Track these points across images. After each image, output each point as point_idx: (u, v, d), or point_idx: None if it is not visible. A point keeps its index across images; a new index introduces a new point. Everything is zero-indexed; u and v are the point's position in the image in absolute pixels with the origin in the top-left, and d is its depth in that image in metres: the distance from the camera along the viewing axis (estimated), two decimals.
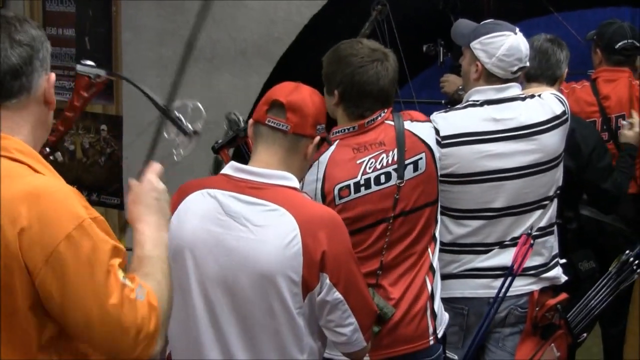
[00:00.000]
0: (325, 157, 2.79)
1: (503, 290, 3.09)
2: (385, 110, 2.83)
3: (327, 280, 2.34)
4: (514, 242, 3.18)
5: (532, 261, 3.23)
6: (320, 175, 2.76)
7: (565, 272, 3.48)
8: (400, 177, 2.79)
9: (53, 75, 1.91)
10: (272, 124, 2.41)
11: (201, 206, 2.37)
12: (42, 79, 1.88)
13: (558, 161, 3.30)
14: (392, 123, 2.83)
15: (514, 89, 3.23)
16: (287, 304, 2.32)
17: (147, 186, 1.98)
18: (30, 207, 1.72)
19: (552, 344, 3.28)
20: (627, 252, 3.49)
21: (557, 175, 3.32)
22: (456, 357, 3.12)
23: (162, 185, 2.01)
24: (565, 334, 3.37)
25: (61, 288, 1.71)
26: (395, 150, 2.81)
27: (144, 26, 5.48)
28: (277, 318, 2.33)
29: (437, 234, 2.93)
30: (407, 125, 2.84)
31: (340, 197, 2.77)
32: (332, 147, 2.79)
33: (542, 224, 3.27)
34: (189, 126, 2.14)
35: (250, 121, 2.50)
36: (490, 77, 3.21)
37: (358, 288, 2.42)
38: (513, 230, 3.22)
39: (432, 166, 2.87)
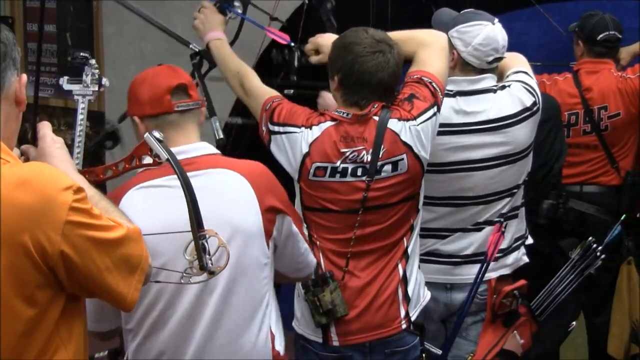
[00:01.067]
0: (320, 129, 2.80)
1: (479, 277, 3.10)
2: (376, 105, 2.80)
3: (288, 217, 2.48)
4: (476, 227, 3.22)
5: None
6: (309, 144, 2.79)
7: (557, 260, 3.48)
8: (370, 175, 2.78)
9: (24, 76, 1.92)
10: (184, 108, 2.47)
11: (147, 201, 2.34)
12: (15, 78, 1.89)
13: (528, 151, 3.30)
14: (377, 119, 2.80)
15: (488, 80, 3.23)
16: (258, 258, 2.41)
17: (48, 140, 2.04)
18: (26, 193, 1.73)
19: (515, 332, 3.27)
20: (590, 238, 3.49)
21: (527, 165, 3.32)
22: (440, 352, 3.11)
23: (58, 137, 2.08)
24: (528, 321, 3.35)
25: (82, 253, 1.78)
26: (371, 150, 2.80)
27: (125, 21, 5.45)
28: (247, 274, 2.39)
29: (415, 224, 2.93)
30: (393, 124, 2.79)
31: (315, 175, 2.80)
32: (330, 123, 2.81)
33: (505, 210, 3.28)
34: (211, 262, 1.99)
35: (137, 119, 2.50)
36: (465, 66, 3.21)
37: (298, 215, 2.63)
38: (478, 216, 3.24)
39: (415, 166, 2.83)
